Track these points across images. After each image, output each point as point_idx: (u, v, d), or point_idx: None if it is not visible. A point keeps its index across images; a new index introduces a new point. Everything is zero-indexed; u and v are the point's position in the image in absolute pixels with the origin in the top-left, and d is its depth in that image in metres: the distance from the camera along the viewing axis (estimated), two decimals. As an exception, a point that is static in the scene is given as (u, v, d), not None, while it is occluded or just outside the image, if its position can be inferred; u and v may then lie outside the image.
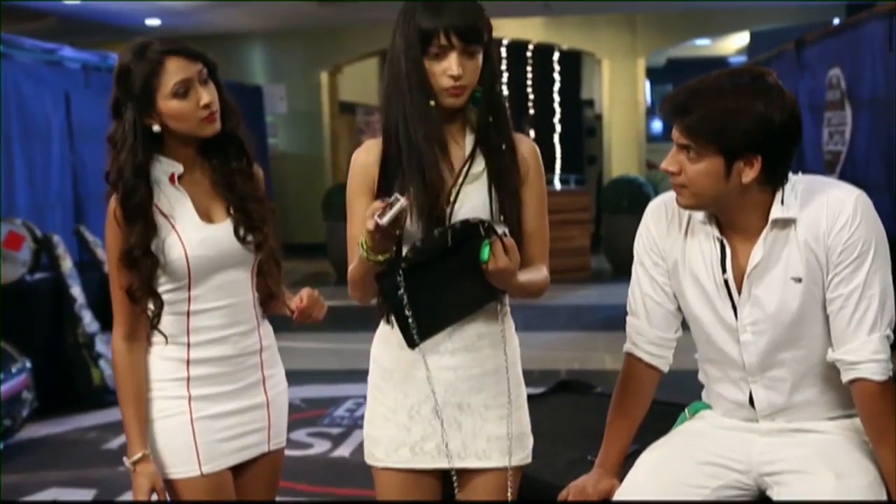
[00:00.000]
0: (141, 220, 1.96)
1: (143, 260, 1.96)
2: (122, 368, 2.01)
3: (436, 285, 1.86)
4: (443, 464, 1.94)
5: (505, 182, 1.91)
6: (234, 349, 2.07)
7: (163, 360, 2.04)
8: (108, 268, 2.03)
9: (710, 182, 1.83)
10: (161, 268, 1.99)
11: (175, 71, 1.95)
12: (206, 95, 1.97)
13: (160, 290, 2.01)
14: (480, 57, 1.89)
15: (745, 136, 1.79)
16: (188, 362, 2.03)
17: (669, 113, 1.85)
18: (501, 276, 1.81)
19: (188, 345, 2.03)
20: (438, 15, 1.86)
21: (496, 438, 1.94)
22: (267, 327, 2.16)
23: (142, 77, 1.94)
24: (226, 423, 2.06)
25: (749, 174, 1.82)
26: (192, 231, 2.01)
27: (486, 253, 1.79)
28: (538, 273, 1.95)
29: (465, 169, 1.91)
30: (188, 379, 2.03)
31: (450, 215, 1.89)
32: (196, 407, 2.03)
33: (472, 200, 1.90)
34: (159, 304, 2.00)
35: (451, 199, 1.90)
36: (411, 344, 1.89)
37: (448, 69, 1.85)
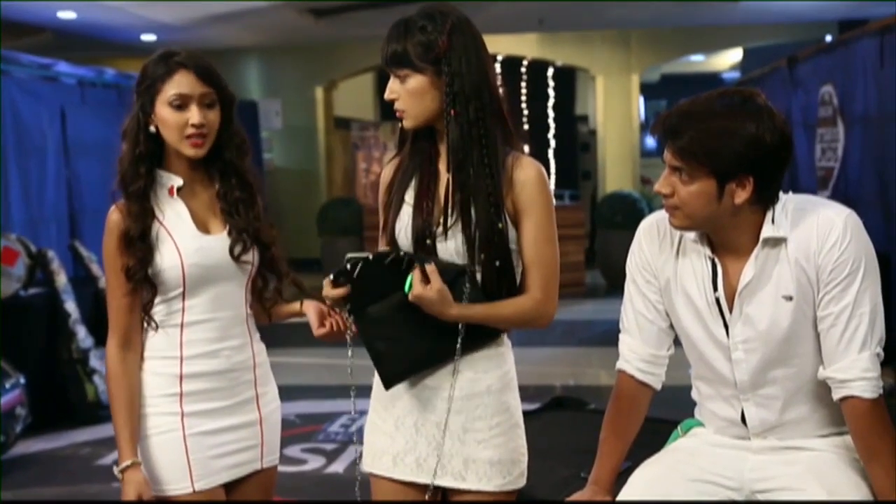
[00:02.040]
0: (140, 203, 2.01)
1: (142, 242, 2.00)
2: (115, 376, 2.03)
3: (393, 332, 1.91)
4: (420, 478, 1.97)
5: (476, 215, 1.90)
6: (226, 364, 2.08)
7: (155, 375, 2.05)
8: (106, 277, 2.05)
9: (702, 203, 1.84)
10: (156, 276, 2.01)
11: (180, 83, 2.01)
12: (198, 117, 2.00)
13: (156, 300, 2.04)
14: (416, 81, 1.90)
15: (737, 158, 1.80)
16: (181, 378, 2.04)
17: (661, 135, 1.87)
18: (426, 305, 1.85)
19: (181, 359, 2.04)
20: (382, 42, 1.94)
21: (473, 462, 1.95)
22: (260, 345, 2.17)
23: (150, 78, 2.02)
24: (219, 440, 2.07)
25: (741, 195, 1.83)
26: (188, 240, 2.04)
27: (407, 284, 1.84)
28: (513, 303, 1.95)
29: (450, 194, 1.92)
30: (181, 395, 2.04)
31: (439, 238, 1.92)
32: (189, 423, 2.04)
33: (457, 228, 1.91)
34: (153, 292, 2.03)
35: (442, 222, 1.92)
36: (384, 385, 1.96)
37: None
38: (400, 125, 1.99)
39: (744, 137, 1.79)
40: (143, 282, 2.01)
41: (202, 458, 2.05)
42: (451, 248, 1.92)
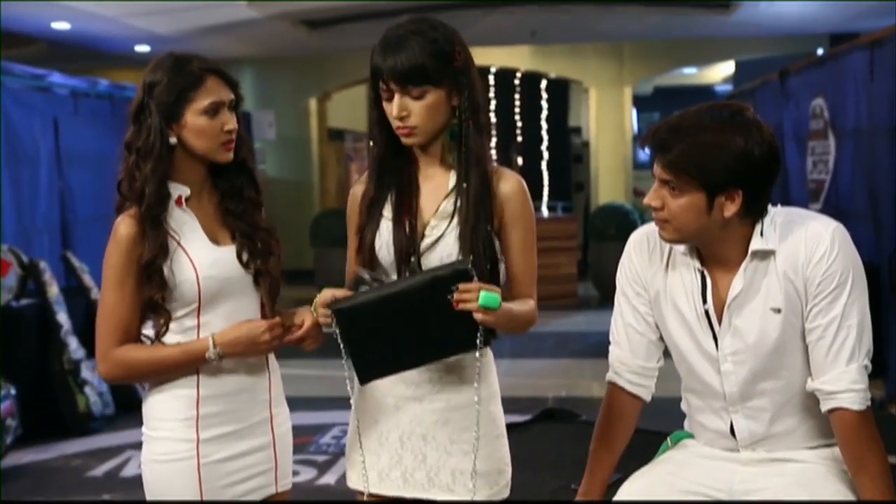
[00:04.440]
0: (161, 229, 1.95)
1: (163, 270, 1.94)
2: (134, 357, 1.95)
3: (382, 328, 1.85)
4: (408, 493, 1.95)
5: (473, 222, 1.89)
6: (245, 382, 2.02)
7: (171, 397, 1.98)
8: (104, 286, 1.96)
9: (692, 217, 1.85)
10: (171, 290, 1.95)
11: (213, 90, 1.97)
12: (232, 122, 1.99)
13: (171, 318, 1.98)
14: (434, 96, 1.87)
15: (726, 172, 1.81)
16: (198, 400, 1.98)
17: (650, 149, 1.88)
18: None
19: (198, 379, 1.98)
20: (383, 57, 1.87)
21: (460, 473, 1.94)
22: (274, 363, 2.11)
23: (178, 87, 1.95)
24: (233, 467, 2.01)
25: (730, 208, 1.84)
26: (202, 252, 1.98)
27: (484, 298, 1.77)
28: (524, 306, 1.95)
29: (439, 207, 1.93)
30: (198, 418, 1.97)
31: (424, 251, 1.91)
32: (204, 451, 1.97)
33: (446, 239, 1.91)
34: (167, 317, 1.97)
35: (427, 234, 1.92)
36: (360, 381, 1.91)
37: (392, 110, 1.88)
38: (372, 143, 1.95)
39: (733, 151, 1.80)
40: (159, 309, 1.95)
41: (215, 487, 1.98)
42: (437, 259, 1.91)
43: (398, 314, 1.83)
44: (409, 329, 1.84)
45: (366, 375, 1.91)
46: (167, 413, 1.99)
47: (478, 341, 1.83)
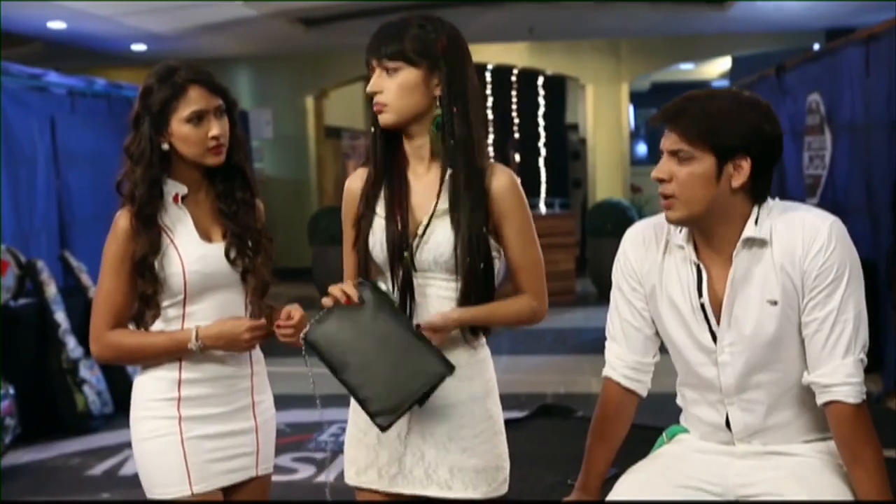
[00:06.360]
0: (154, 228, 2.05)
1: (154, 266, 2.03)
2: (124, 341, 2.06)
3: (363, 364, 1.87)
4: (406, 489, 1.96)
5: (465, 218, 1.89)
6: (225, 370, 2.10)
7: (154, 379, 2.08)
8: (102, 273, 2.07)
9: (700, 185, 1.85)
10: (160, 283, 2.05)
11: (195, 99, 2.04)
12: (217, 128, 2.06)
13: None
14: (408, 75, 1.88)
15: (738, 137, 1.83)
16: (180, 382, 2.07)
17: (663, 119, 1.88)
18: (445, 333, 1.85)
19: (180, 364, 2.07)
20: (372, 38, 1.92)
21: (458, 469, 1.94)
22: (258, 354, 2.19)
23: (163, 97, 2.03)
24: (216, 445, 2.09)
25: (738, 178, 1.85)
26: (191, 248, 2.07)
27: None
28: (514, 303, 1.96)
29: (435, 201, 1.92)
30: (179, 399, 2.06)
31: (416, 248, 1.90)
32: (186, 427, 2.06)
33: (437, 236, 1.91)
34: (156, 314, 2.07)
35: (419, 232, 1.91)
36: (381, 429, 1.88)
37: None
38: (372, 132, 1.96)
39: (745, 119, 1.84)
40: (150, 302, 2.05)
41: (200, 461, 2.07)
42: (429, 257, 1.91)
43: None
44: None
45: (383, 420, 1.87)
46: (150, 394, 2.08)
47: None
